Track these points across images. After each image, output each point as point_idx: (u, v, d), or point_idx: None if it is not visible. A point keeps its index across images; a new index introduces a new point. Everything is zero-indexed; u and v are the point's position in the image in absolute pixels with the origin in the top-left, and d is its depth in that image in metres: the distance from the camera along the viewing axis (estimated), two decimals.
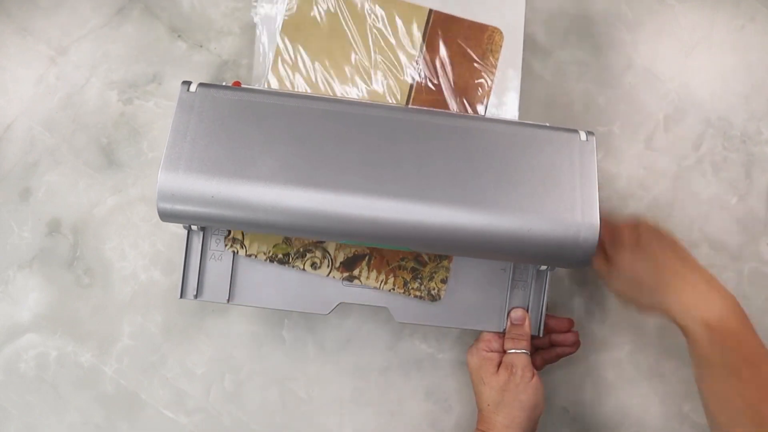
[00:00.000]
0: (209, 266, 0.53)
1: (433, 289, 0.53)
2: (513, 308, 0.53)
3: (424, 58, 0.53)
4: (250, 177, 0.45)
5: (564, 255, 0.46)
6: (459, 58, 0.54)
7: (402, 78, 0.53)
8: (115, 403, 0.58)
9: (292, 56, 0.53)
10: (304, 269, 0.52)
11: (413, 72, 0.53)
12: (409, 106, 0.51)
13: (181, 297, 0.53)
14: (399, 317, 0.54)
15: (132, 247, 0.60)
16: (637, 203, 0.63)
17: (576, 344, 0.55)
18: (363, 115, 0.48)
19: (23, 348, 0.59)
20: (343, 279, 0.53)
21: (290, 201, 0.45)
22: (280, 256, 0.52)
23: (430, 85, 0.53)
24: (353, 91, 0.53)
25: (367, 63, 0.53)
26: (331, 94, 0.52)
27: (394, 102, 0.53)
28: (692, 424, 0.61)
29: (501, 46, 0.54)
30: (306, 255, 0.52)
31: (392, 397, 0.59)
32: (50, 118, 0.62)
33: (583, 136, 0.49)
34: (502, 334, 0.54)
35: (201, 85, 0.48)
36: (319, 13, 0.53)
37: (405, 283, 0.53)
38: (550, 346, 0.56)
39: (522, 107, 0.58)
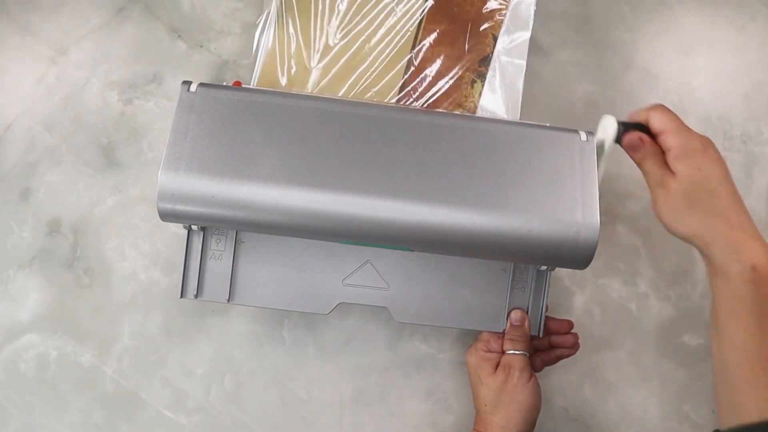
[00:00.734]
0: (209, 266, 0.53)
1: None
2: (513, 309, 0.53)
3: None
4: (250, 177, 0.45)
5: (564, 255, 0.46)
6: None
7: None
8: (115, 403, 0.58)
9: None
10: None
11: None
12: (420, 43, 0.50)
13: (181, 297, 0.53)
14: (399, 317, 0.54)
15: (132, 247, 0.60)
16: (637, 203, 0.63)
17: (575, 346, 0.55)
18: (363, 115, 0.48)
19: (23, 348, 0.59)
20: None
21: (290, 201, 0.45)
22: None
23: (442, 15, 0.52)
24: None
25: None
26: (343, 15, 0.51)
27: (408, 27, 0.51)
28: (692, 424, 0.61)
29: None
30: None
31: (392, 397, 0.59)
32: (50, 118, 0.62)
33: (583, 136, 0.49)
34: (501, 335, 0.54)
35: (201, 85, 0.48)
36: None
37: None
38: (550, 348, 0.56)
39: (522, 107, 0.58)
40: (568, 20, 0.66)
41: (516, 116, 0.57)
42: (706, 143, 0.46)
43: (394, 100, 0.54)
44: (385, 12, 0.54)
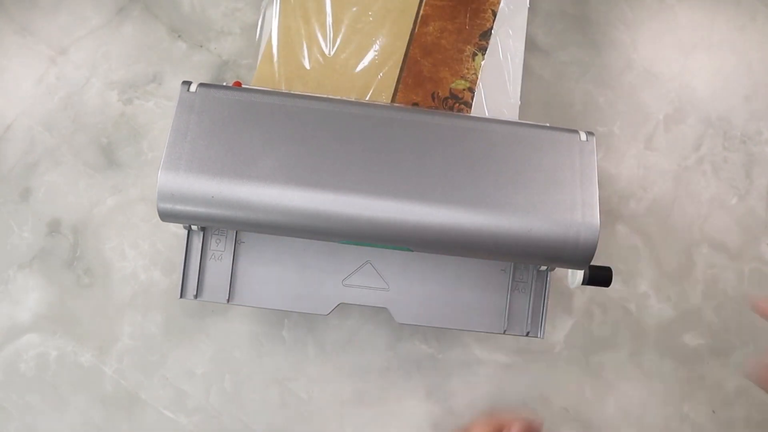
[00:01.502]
0: (209, 266, 0.53)
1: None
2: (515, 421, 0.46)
3: None
4: (250, 177, 0.45)
5: (564, 255, 0.46)
6: None
7: None
8: (115, 403, 0.58)
9: None
10: None
11: None
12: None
13: (181, 297, 0.53)
14: (399, 318, 0.54)
15: (132, 247, 0.60)
16: (637, 203, 0.63)
17: None
18: (363, 115, 0.48)
19: (23, 348, 0.59)
20: None
21: (290, 201, 0.44)
22: None
23: None
24: None
25: None
26: None
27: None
28: (692, 424, 0.61)
29: None
30: None
31: (392, 398, 0.59)
32: (50, 118, 0.62)
33: (583, 136, 0.49)
34: None
35: (201, 85, 0.48)
36: None
37: None
38: None
39: (522, 107, 0.58)
40: (568, 20, 0.66)
41: (515, 116, 0.57)
42: None
43: (396, 71, 0.54)
44: None
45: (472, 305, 0.54)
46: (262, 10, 0.56)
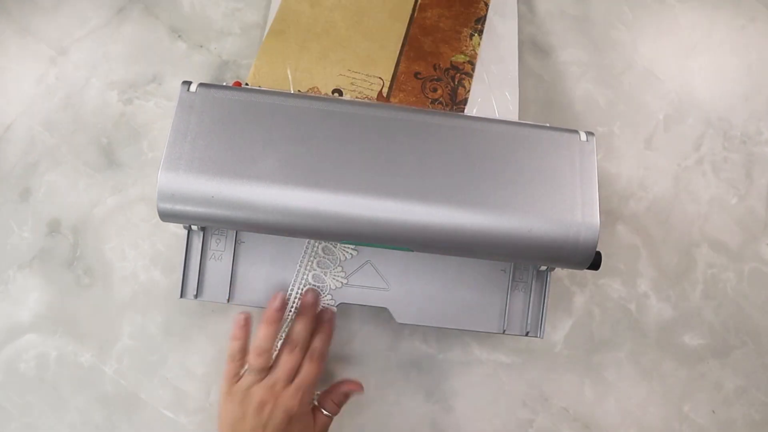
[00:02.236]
0: (209, 266, 0.53)
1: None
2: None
3: None
4: (250, 177, 0.45)
5: (564, 255, 0.46)
6: None
7: None
8: (115, 403, 0.58)
9: None
10: None
11: None
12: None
13: (181, 297, 0.53)
14: (399, 318, 0.54)
15: (132, 247, 0.60)
16: (637, 203, 0.63)
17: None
18: (363, 115, 0.48)
19: (23, 348, 0.59)
20: None
21: (290, 201, 0.45)
22: None
23: None
24: None
25: None
26: None
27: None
28: (692, 424, 0.61)
29: None
30: None
31: (392, 398, 0.59)
32: (50, 118, 0.62)
33: (583, 136, 0.49)
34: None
35: (201, 85, 0.48)
36: None
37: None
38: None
39: (522, 107, 0.58)
40: (568, 20, 0.67)
41: (515, 116, 0.57)
42: None
43: (398, 45, 0.54)
44: None
45: (472, 305, 0.54)
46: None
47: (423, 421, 0.59)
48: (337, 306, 0.53)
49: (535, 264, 0.53)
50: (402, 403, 0.60)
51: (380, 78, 0.52)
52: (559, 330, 0.61)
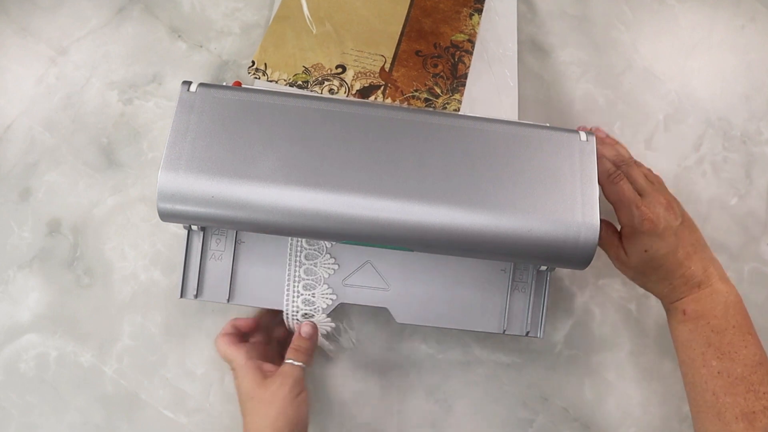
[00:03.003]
0: (209, 266, 0.53)
1: None
2: (306, 323, 0.53)
3: None
4: (250, 177, 0.45)
5: (564, 255, 0.46)
6: None
7: None
8: (115, 403, 0.58)
9: None
10: (321, 94, 0.51)
11: None
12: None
13: (181, 297, 0.53)
14: (399, 318, 0.54)
15: (132, 247, 0.60)
16: None
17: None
18: (363, 115, 0.48)
19: (23, 348, 0.59)
20: None
21: (290, 201, 0.45)
22: (299, 83, 0.51)
23: None
24: None
25: None
26: None
27: None
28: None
29: None
30: (324, 83, 0.51)
31: (392, 398, 0.59)
32: (50, 118, 0.62)
33: (583, 136, 0.49)
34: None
35: (201, 85, 0.48)
36: None
37: None
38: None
39: (522, 107, 0.58)
40: (568, 20, 0.67)
41: (515, 116, 0.57)
42: (655, 218, 0.49)
43: (399, 27, 0.55)
44: None
45: (472, 305, 0.54)
46: None
47: (423, 421, 0.59)
48: (337, 306, 0.53)
49: (535, 264, 0.53)
50: (402, 403, 0.60)
51: (382, 56, 0.53)
52: (559, 330, 0.61)
